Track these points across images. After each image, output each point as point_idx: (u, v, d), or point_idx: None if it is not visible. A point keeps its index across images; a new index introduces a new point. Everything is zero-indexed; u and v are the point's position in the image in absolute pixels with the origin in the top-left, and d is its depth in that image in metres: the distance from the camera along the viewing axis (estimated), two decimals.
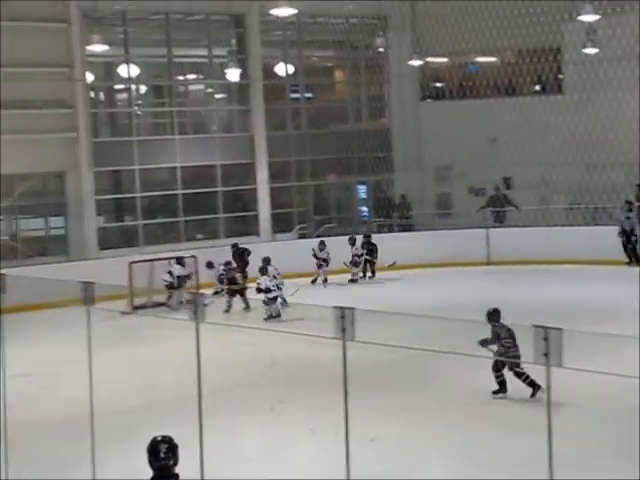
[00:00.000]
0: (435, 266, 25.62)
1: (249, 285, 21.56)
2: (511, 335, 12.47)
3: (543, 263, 24.97)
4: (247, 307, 21.06)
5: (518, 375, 12.69)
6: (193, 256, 23.08)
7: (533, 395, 12.55)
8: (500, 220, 28.79)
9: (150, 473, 6.39)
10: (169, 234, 27.73)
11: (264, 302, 19.84)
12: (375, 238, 25.77)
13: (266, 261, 21.09)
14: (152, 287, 21.99)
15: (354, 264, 24.95)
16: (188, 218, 27.83)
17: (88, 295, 7.81)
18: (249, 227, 28.92)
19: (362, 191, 31.95)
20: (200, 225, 28.59)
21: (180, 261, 22.38)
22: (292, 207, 29.96)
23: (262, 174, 28.84)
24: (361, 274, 25.19)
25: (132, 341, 18.12)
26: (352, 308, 5.98)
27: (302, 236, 27.99)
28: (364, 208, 32.02)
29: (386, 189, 31.70)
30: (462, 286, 23.19)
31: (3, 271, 9.45)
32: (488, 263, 26.39)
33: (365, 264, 25.23)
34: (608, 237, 24.37)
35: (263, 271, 20.42)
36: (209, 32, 28.71)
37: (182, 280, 22.09)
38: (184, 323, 7.10)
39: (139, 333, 18.63)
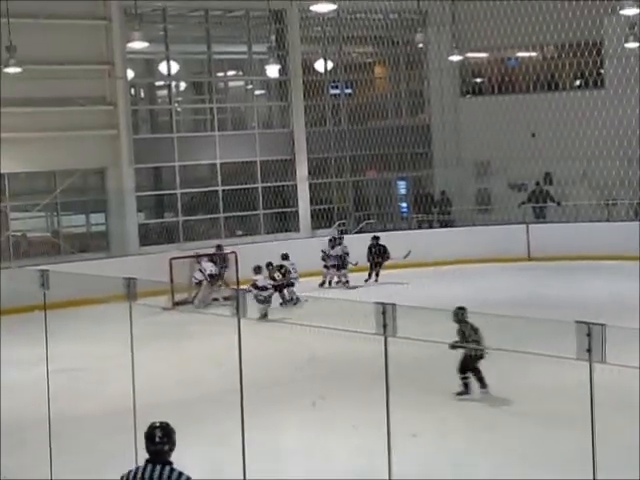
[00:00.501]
0: (475, 262, 25.51)
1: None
2: (476, 332, 12.36)
3: (584, 259, 24.78)
4: (283, 302, 21.15)
5: (477, 370, 12.91)
6: (233, 252, 23.22)
7: (482, 388, 12.98)
8: (542, 216, 28.61)
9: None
10: (209, 230, 27.83)
11: (258, 300, 19.26)
12: (414, 234, 25.49)
13: (285, 256, 21.10)
14: (191, 283, 22.09)
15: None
16: (228, 214, 27.90)
17: (131, 291, 7.88)
18: (289, 223, 28.95)
19: (402, 187, 31.86)
20: (240, 221, 28.66)
21: (212, 258, 22.36)
22: (332, 203, 29.97)
23: (302, 170, 28.87)
24: (366, 277, 24.22)
25: (174, 337, 18.19)
26: (393, 304, 5.98)
27: (342, 232, 27.91)
28: (404, 204, 31.93)
29: (426, 185, 31.60)
30: (502, 282, 23.08)
31: (45, 267, 9.54)
32: (529, 259, 26.26)
33: (372, 267, 24.32)
34: None
35: (257, 270, 20.17)
36: (249, 28, 28.71)
37: (213, 278, 22.02)
38: (226, 319, 7.13)
39: (181, 329, 18.69)
